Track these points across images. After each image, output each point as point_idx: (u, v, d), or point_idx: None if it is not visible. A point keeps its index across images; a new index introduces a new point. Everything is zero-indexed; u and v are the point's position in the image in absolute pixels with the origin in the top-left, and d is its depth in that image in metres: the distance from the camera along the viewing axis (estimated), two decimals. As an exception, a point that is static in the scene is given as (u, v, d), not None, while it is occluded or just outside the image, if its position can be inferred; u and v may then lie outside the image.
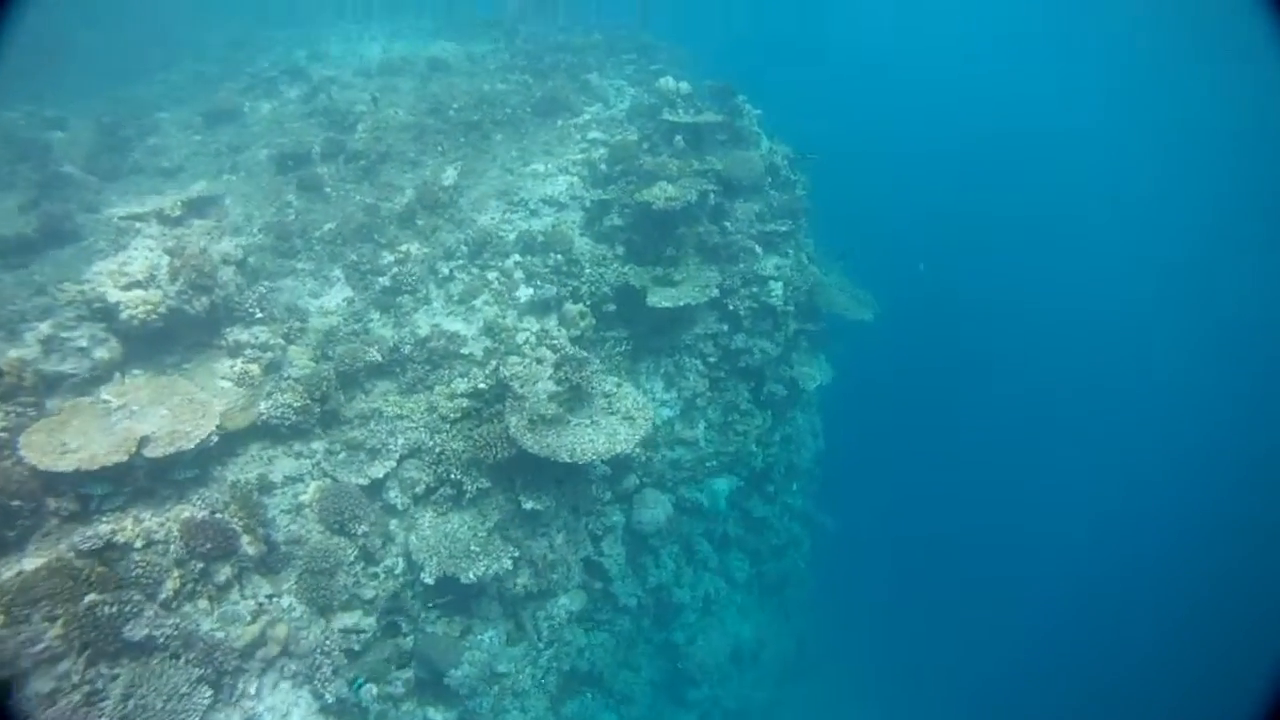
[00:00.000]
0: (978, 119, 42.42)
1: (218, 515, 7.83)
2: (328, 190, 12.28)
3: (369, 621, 8.93)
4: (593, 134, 13.66)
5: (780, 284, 12.90)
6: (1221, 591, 24.44)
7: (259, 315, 9.74)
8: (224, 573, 7.73)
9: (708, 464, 13.20)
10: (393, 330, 10.86)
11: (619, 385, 10.36)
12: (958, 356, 30.52)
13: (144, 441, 7.36)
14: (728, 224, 12.68)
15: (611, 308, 12.00)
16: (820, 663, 19.71)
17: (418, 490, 9.67)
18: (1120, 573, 25.88)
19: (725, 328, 12.72)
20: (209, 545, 7.49)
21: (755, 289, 12.83)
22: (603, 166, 13.04)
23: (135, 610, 6.83)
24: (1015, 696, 22.10)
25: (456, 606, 9.72)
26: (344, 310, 10.83)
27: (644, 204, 11.91)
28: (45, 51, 15.82)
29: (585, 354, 9.77)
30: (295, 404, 9.19)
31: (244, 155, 13.05)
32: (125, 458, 7.04)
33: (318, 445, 9.52)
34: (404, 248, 11.37)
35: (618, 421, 9.77)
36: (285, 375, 9.52)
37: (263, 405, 9.13)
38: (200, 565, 7.56)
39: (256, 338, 9.57)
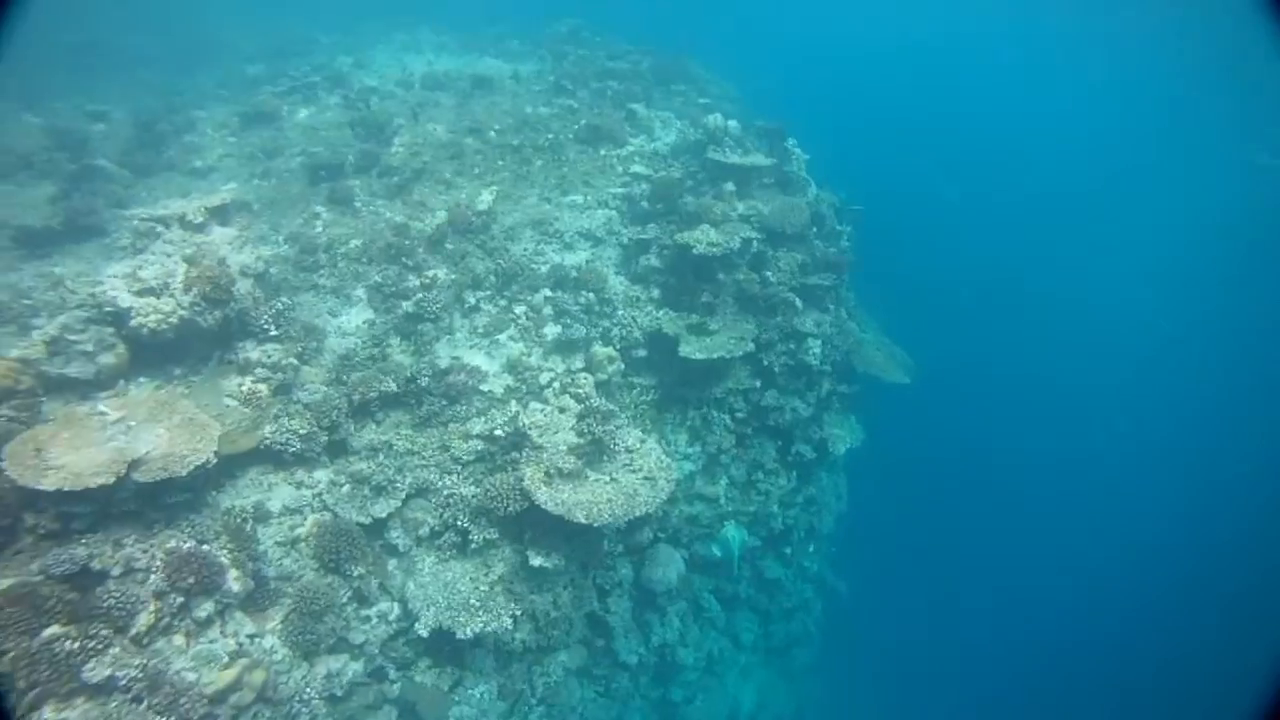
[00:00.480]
0: (1030, 176, 41.80)
1: (205, 547, 7.29)
2: (358, 205, 11.85)
3: (355, 667, 8.36)
4: (635, 167, 13.18)
5: (819, 343, 12.31)
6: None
7: (274, 332, 9.25)
8: (205, 608, 7.18)
9: (726, 522, 12.57)
10: (412, 358, 10.35)
11: (642, 441, 9.79)
12: (991, 422, 29.81)
13: (135, 464, 6.84)
14: (769, 274, 12.13)
15: (642, 353, 11.46)
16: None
17: (421, 532, 9.12)
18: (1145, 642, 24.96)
19: (758, 384, 12.13)
20: (192, 580, 6.95)
21: (793, 345, 12.24)
22: (643, 203, 12.55)
23: (100, 647, 6.28)
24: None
25: (449, 656, 9.13)
26: (363, 332, 10.34)
27: (684, 247, 11.40)
28: (96, 52, 15.75)
29: (611, 407, 9.21)
30: (301, 431, 8.69)
31: (277, 161, 12.66)
32: (113, 480, 6.52)
33: (321, 475, 9.00)
34: (431, 273, 10.89)
35: (639, 481, 9.19)
36: (295, 399, 9.01)
37: (267, 429, 8.63)
38: (180, 600, 7.02)
39: (269, 356, 9.08)
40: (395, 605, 8.64)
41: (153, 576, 7.00)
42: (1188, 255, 37.87)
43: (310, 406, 8.94)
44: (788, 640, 15.80)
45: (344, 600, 8.26)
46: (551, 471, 8.75)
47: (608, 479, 9.13)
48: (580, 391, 9.31)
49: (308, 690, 7.65)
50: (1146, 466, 30.04)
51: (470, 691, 9.23)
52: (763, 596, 14.56)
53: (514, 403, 10.22)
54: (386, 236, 11.22)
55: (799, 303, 12.27)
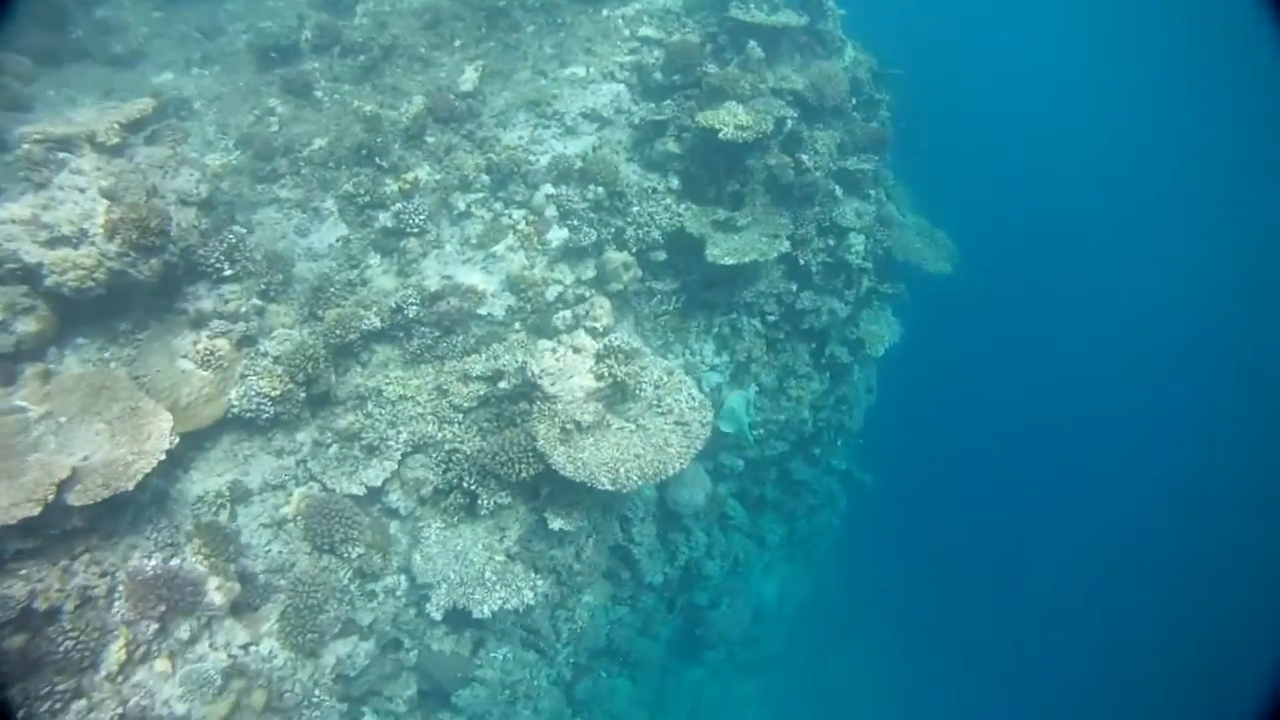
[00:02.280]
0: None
1: (175, 561, 6.18)
2: (319, 94, 9.97)
3: (366, 647, 7.49)
4: (645, 29, 11.12)
5: (861, 238, 10.77)
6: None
7: (229, 271, 7.75)
8: (186, 628, 6.15)
9: (754, 432, 11.50)
10: (396, 279, 8.91)
11: (670, 374, 8.48)
12: (1029, 317, 28.50)
13: (67, 482, 5.57)
14: (804, 157, 10.42)
15: (661, 255, 9.96)
16: (837, 607, 18.80)
17: (424, 492, 8.06)
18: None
19: (793, 286, 10.69)
20: (163, 608, 5.87)
21: (832, 242, 10.74)
22: (656, 74, 10.63)
23: (60, 706, 5.27)
24: (1012, 664, 21.49)
25: (467, 621, 8.25)
26: (337, 253, 8.84)
27: (708, 130, 9.65)
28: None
29: (634, 344, 7.84)
30: (274, 392, 7.39)
31: (218, 42, 10.58)
32: (38, 510, 5.27)
33: (304, 437, 7.83)
34: (411, 175, 9.22)
35: (669, 428, 7.96)
36: (263, 351, 7.65)
37: (233, 395, 7.34)
38: (155, 626, 5.97)
39: (226, 303, 7.65)
40: (402, 578, 7.65)
41: (117, 604, 5.91)
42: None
43: (282, 359, 7.59)
44: (810, 532, 15.24)
45: (345, 582, 7.23)
46: (568, 425, 7.51)
47: (633, 426, 7.91)
48: (597, 325, 7.91)
49: (317, 691, 6.75)
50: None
51: (493, 655, 8.43)
52: (789, 498, 13.79)
53: (518, 327, 8.87)
54: (356, 132, 9.46)
55: (838, 190, 10.64)
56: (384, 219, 8.95)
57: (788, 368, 11.29)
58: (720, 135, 9.51)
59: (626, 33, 11.13)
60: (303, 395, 7.68)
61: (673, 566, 11.65)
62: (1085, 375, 29.94)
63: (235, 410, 7.31)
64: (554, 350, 7.94)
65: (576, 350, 7.78)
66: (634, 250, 9.71)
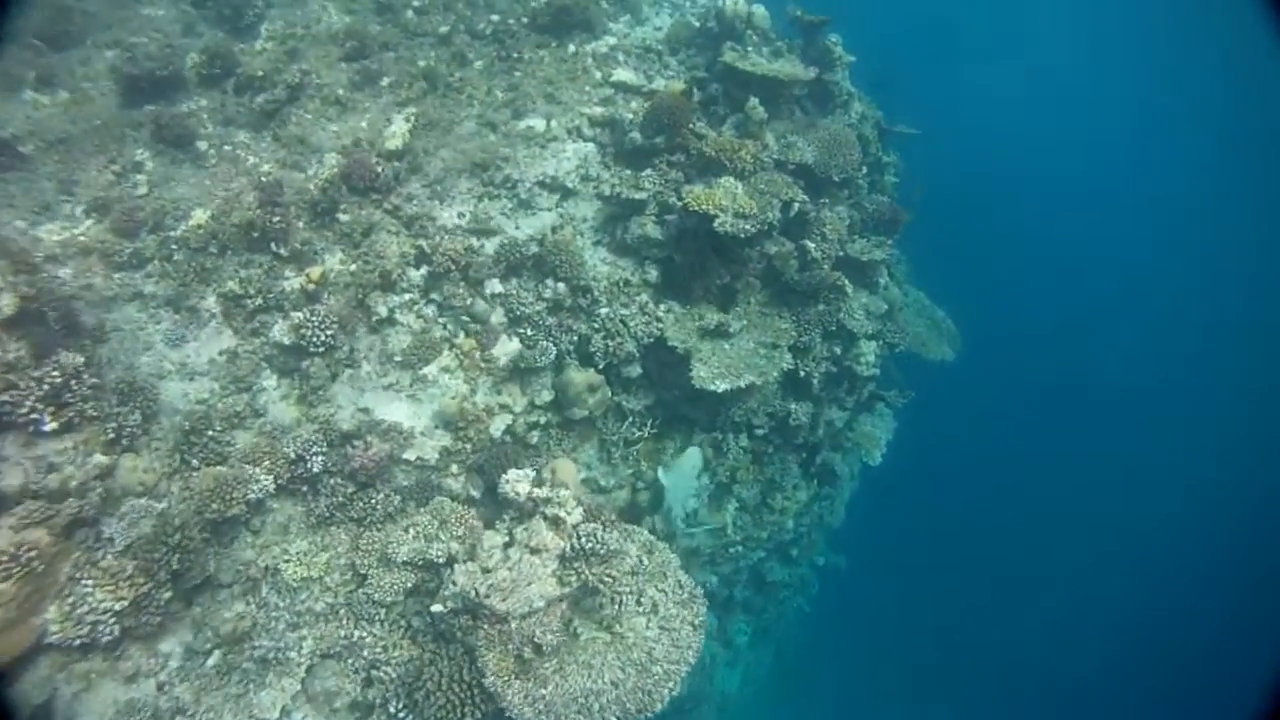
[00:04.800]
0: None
1: None
2: (203, 146, 7.69)
3: None
4: (620, 73, 9.09)
5: (873, 346, 9.07)
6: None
7: (50, 426, 5.62)
8: None
9: (731, 550, 9.86)
10: (298, 409, 6.87)
11: (650, 551, 6.67)
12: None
13: None
14: (811, 245, 8.63)
15: (635, 371, 8.11)
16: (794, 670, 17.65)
17: (337, 705, 6.13)
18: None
19: (792, 405, 8.96)
20: None
21: (838, 349, 9.01)
22: (634, 134, 8.64)
23: None
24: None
25: None
26: (220, 372, 6.73)
27: (698, 216, 7.77)
28: None
29: (610, 538, 5.97)
30: (119, 604, 5.35)
31: (67, 57, 8.09)
32: None
33: (170, 645, 5.79)
34: (317, 270, 7.12)
35: (652, 634, 6.19)
36: (106, 536, 5.58)
37: (51, 612, 5.27)
38: None
39: (47, 472, 5.53)
40: None
41: None
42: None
43: (135, 548, 5.54)
44: (778, 618, 13.85)
45: None
46: (525, 651, 5.66)
47: (607, 635, 6.11)
48: (560, 514, 6.02)
49: None
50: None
51: None
52: (760, 597, 12.24)
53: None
54: (248, 203, 7.29)
55: (847, 285, 8.88)
56: (280, 331, 6.85)
57: (773, 482, 9.62)
58: (717, 225, 7.63)
59: (598, 75, 9.09)
60: (165, 596, 5.66)
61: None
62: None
63: (55, 638, 5.26)
64: (504, 549, 6.02)
65: (534, 551, 5.90)
66: (602, 366, 7.83)
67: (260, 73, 8.01)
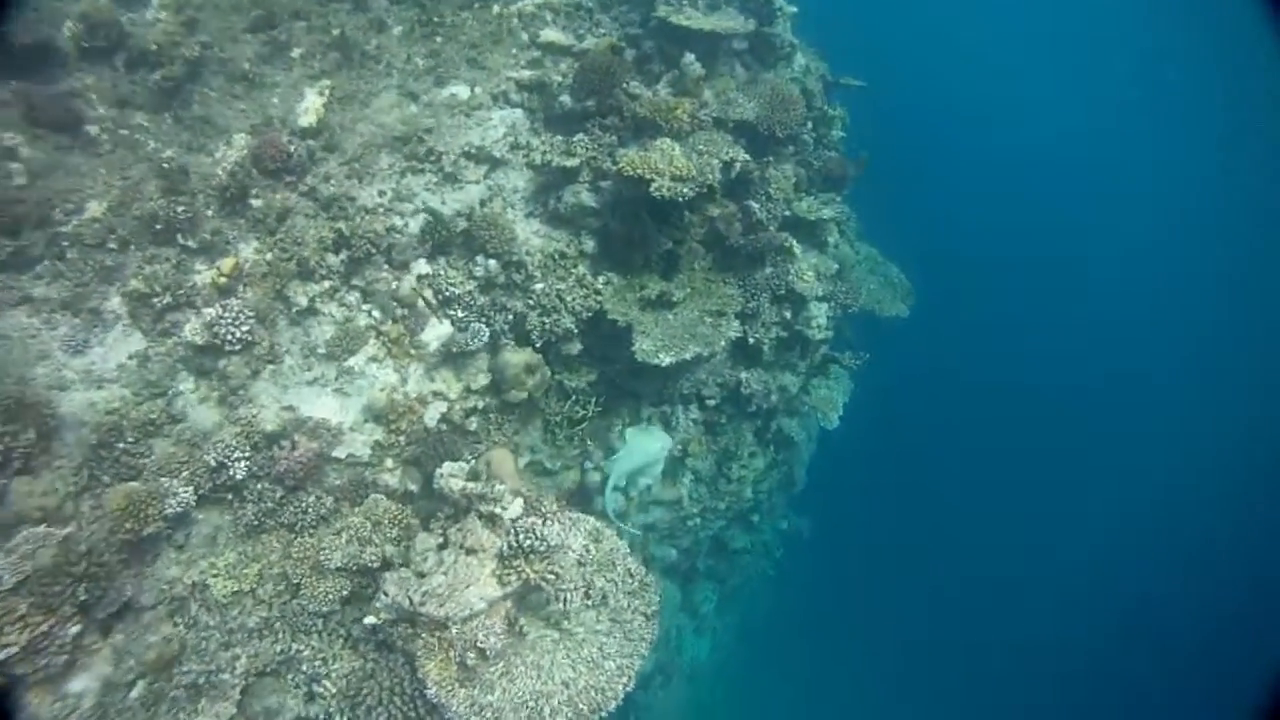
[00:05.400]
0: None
1: None
2: (93, 129, 7.12)
3: None
4: (548, 33, 8.58)
5: (824, 308, 8.82)
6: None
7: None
8: None
9: (689, 522, 9.71)
10: (219, 412, 6.49)
11: (597, 540, 6.45)
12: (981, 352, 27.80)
13: None
14: (755, 205, 8.31)
15: (575, 348, 7.80)
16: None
17: (283, 720, 5.90)
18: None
19: (742, 373, 8.72)
20: None
21: (788, 313, 8.75)
22: (565, 97, 8.20)
23: None
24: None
25: None
26: (131, 378, 6.31)
27: (634, 181, 7.41)
28: None
29: (551, 532, 5.71)
30: (15, 645, 5.01)
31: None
32: None
33: (83, 683, 5.46)
34: (229, 261, 6.68)
35: (603, 627, 6.00)
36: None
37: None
38: None
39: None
40: None
41: None
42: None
43: (31, 583, 5.17)
44: (743, 583, 13.84)
45: None
46: (468, 656, 5.42)
47: (555, 633, 5.90)
48: (495, 510, 5.73)
49: None
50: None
51: None
52: (723, 564, 12.16)
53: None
54: (151, 193, 6.79)
55: (795, 246, 8.59)
56: (192, 329, 6.42)
57: (729, 451, 9.43)
58: (653, 190, 7.28)
59: (524, 37, 8.58)
60: (74, 630, 5.32)
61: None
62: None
63: (-49, 678, 4.93)
64: (439, 551, 5.73)
65: (470, 552, 5.63)
66: (540, 345, 7.51)
67: (154, 46, 7.37)
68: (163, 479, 5.89)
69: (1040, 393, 30.52)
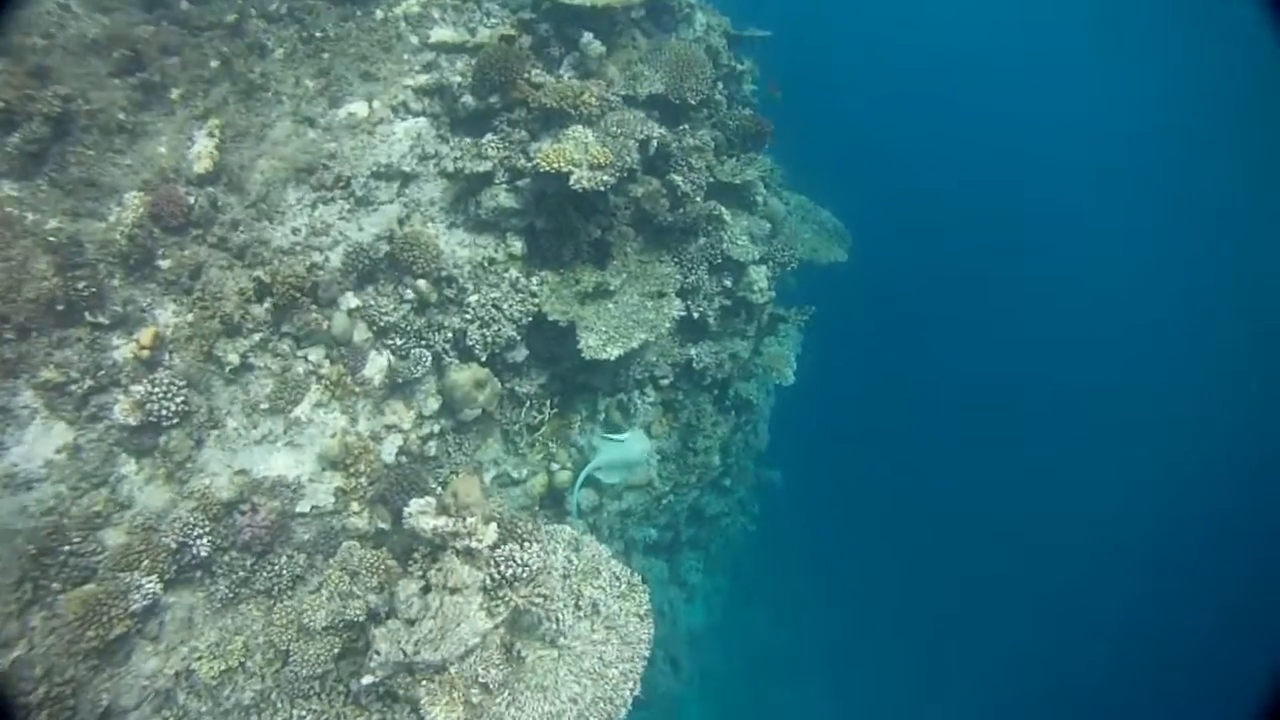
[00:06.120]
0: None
1: None
2: (-31, 210, 6.64)
3: None
4: (438, 32, 8.19)
5: (763, 270, 8.79)
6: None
7: None
8: None
9: (664, 501, 9.76)
10: (169, 489, 6.24)
11: (577, 548, 6.43)
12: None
13: None
14: (679, 179, 8.18)
15: (520, 355, 7.67)
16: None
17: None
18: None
19: (691, 350, 8.69)
20: None
21: (729, 282, 8.71)
22: (467, 97, 7.90)
23: None
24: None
25: None
26: (64, 472, 6.00)
27: (550, 176, 7.22)
28: None
29: (530, 555, 5.64)
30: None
31: None
32: None
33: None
34: (148, 332, 6.35)
35: (599, 634, 6.02)
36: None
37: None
38: None
39: None
40: None
41: None
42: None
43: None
44: (726, 544, 14.04)
45: None
46: (472, 693, 5.38)
47: (554, 652, 5.89)
48: (470, 544, 5.62)
49: None
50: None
51: None
52: (704, 530, 12.29)
53: (356, 508, 6.50)
54: (41, 270, 6.36)
55: (725, 213, 8.51)
56: (124, 408, 6.12)
57: (690, 426, 9.45)
58: (573, 183, 7.11)
59: (414, 40, 8.19)
60: (39, 743, 5.13)
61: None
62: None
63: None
64: (423, 596, 5.61)
65: (454, 591, 5.54)
66: (485, 358, 7.35)
67: (2, 104, 6.77)
68: (121, 574, 5.65)
69: (993, 323, 31.11)
